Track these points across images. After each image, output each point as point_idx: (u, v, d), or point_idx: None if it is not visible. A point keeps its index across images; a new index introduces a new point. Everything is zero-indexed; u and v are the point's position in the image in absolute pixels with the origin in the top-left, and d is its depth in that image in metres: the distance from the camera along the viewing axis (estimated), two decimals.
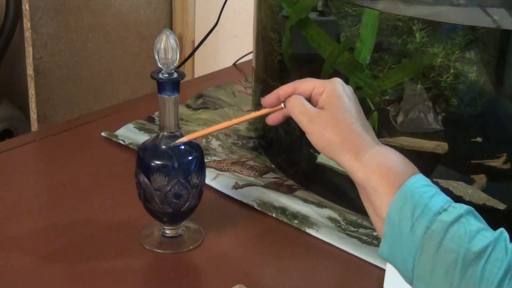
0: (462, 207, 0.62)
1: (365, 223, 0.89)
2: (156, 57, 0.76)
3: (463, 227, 0.60)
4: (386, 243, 0.64)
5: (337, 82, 0.72)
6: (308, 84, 0.72)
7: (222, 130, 1.11)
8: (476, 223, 0.62)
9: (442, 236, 0.60)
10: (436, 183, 0.84)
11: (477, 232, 0.60)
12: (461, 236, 0.60)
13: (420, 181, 0.65)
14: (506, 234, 0.61)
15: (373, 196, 0.66)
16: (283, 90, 0.74)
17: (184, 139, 0.78)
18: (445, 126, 0.83)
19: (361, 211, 0.88)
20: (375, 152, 0.67)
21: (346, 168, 0.68)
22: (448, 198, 0.64)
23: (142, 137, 1.06)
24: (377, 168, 0.66)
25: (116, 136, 1.07)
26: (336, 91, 0.71)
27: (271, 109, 0.75)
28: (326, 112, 0.70)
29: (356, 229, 0.87)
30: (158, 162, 0.78)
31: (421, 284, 0.62)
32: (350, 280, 0.80)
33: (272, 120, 0.76)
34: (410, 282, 0.63)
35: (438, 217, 0.61)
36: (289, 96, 0.73)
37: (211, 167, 0.99)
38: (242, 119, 0.77)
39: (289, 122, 0.99)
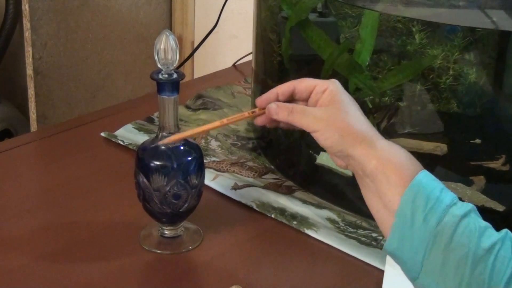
0: (469, 205, 0.63)
1: (364, 224, 0.89)
2: (156, 57, 0.76)
3: (473, 222, 0.61)
4: (395, 236, 0.64)
5: (337, 82, 0.72)
6: (309, 82, 0.72)
7: (222, 131, 1.11)
8: (482, 221, 0.63)
9: (453, 229, 0.61)
10: None
11: (485, 229, 0.61)
12: (472, 231, 0.61)
13: (429, 176, 0.66)
14: (511, 234, 0.62)
15: (385, 187, 0.65)
16: (282, 89, 0.73)
17: (175, 137, 0.75)
18: (444, 128, 0.84)
19: (360, 212, 0.88)
20: (386, 144, 0.68)
21: (359, 158, 0.67)
22: (455, 194, 0.64)
23: (141, 138, 1.06)
24: (391, 158, 0.66)
25: (115, 137, 1.08)
26: (339, 89, 0.71)
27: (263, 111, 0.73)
28: (332, 107, 0.69)
29: (355, 230, 0.88)
30: (158, 163, 0.78)
31: (429, 277, 0.62)
32: (349, 281, 0.80)
33: (261, 121, 0.74)
34: (415, 276, 0.63)
35: (450, 210, 0.62)
36: (289, 95, 0.72)
37: (211, 168, 0.99)
38: (235, 118, 0.74)
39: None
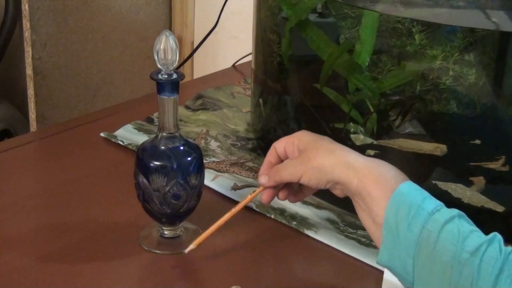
0: (455, 210, 0.64)
1: None
2: (156, 58, 0.76)
3: (457, 227, 0.62)
4: (385, 248, 0.65)
5: (304, 130, 0.78)
6: (283, 140, 0.78)
7: (221, 131, 1.11)
8: (468, 225, 0.63)
9: (437, 235, 0.62)
10: (434, 185, 0.85)
11: (470, 232, 0.62)
12: (455, 235, 0.61)
13: (411, 186, 0.67)
14: (500, 237, 0.62)
15: (370, 202, 0.67)
16: (269, 158, 0.79)
17: (198, 240, 0.79)
18: (444, 128, 0.84)
19: None
20: (365, 161, 0.70)
21: (342, 181, 0.70)
22: (440, 202, 0.65)
23: (141, 138, 1.06)
24: (370, 174, 0.68)
25: (115, 137, 1.08)
26: (304, 132, 0.77)
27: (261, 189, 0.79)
28: (304, 152, 0.74)
29: (355, 230, 0.87)
30: (157, 163, 0.78)
31: (422, 285, 0.62)
32: (349, 281, 0.80)
33: (267, 196, 0.79)
34: (410, 286, 0.64)
35: (432, 217, 0.63)
36: (278, 158, 0.78)
37: (210, 168, 0.99)
38: (240, 205, 0.79)
39: (288, 123, 0.99)
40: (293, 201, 0.81)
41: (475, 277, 0.59)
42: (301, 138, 0.76)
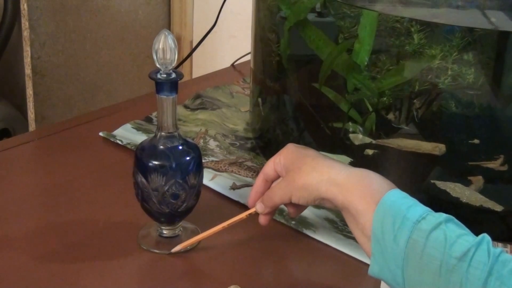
0: (442, 215, 0.63)
1: None
2: (155, 57, 0.76)
3: (443, 234, 0.61)
4: (375, 260, 0.65)
5: (290, 145, 0.78)
6: (270, 161, 0.79)
7: (220, 131, 1.11)
8: (457, 229, 0.62)
9: (423, 244, 0.61)
10: (433, 185, 0.85)
11: (457, 237, 0.61)
12: (442, 242, 0.61)
13: (396, 194, 0.66)
14: (488, 238, 0.61)
15: (357, 216, 0.68)
16: (258, 182, 0.80)
17: (185, 244, 0.81)
18: (442, 128, 0.84)
19: None
20: (348, 174, 0.70)
21: (328, 198, 0.71)
22: (427, 208, 0.65)
23: (140, 137, 1.06)
24: (353, 188, 0.68)
25: (114, 136, 1.08)
26: (289, 148, 0.78)
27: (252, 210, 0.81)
28: (290, 171, 0.75)
29: None
30: (156, 162, 0.78)
31: None
32: (347, 281, 0.80)
33: (264, 219, 0.81)
34: None
35: (417, 226, 0.62)
36: (266, 182, 0.79)
37: (209, 168, 0.99)
38: (234, 220, 0.81)
39: (286, 123, 0.99)
40: (295, 215, 0.81)
41: (464, 282, 0.59)
42: (287, 156, 0.77)
